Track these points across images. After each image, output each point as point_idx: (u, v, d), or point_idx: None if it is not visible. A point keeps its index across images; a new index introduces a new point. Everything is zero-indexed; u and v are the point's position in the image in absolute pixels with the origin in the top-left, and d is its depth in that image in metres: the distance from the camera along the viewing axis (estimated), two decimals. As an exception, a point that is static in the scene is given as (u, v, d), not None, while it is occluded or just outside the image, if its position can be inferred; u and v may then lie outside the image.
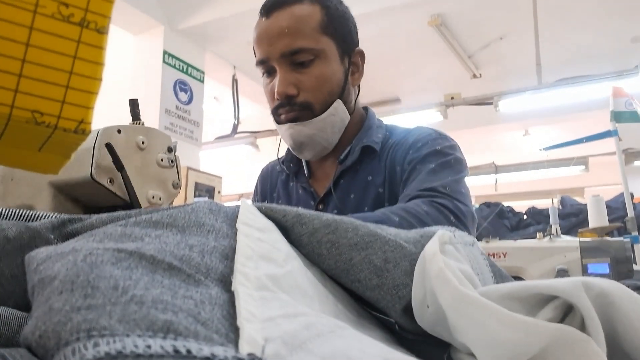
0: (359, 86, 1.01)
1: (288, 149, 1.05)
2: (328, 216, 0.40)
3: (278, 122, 0.94)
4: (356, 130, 0.99)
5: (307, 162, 1.04)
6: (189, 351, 0.20)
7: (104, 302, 0.21)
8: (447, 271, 0.32)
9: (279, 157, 1.12)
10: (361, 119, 1.02)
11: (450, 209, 0.79)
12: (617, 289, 0.30)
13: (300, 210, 0.41)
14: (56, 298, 0.21)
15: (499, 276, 0.42)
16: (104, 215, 0.37)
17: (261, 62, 0.92)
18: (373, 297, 0.37)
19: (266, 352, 0.22)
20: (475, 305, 0.29)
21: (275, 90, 0.90)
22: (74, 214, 0.40)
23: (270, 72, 0.93)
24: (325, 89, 0.91)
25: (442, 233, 0.39)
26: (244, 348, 0.22)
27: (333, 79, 0.92)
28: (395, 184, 0.91)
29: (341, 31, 0.93)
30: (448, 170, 0.86)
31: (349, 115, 0.96)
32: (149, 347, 0.19)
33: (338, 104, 0.92)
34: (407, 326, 0.37)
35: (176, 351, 0.20)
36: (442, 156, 0.88)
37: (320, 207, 0.97)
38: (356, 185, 0.94)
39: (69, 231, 0.37)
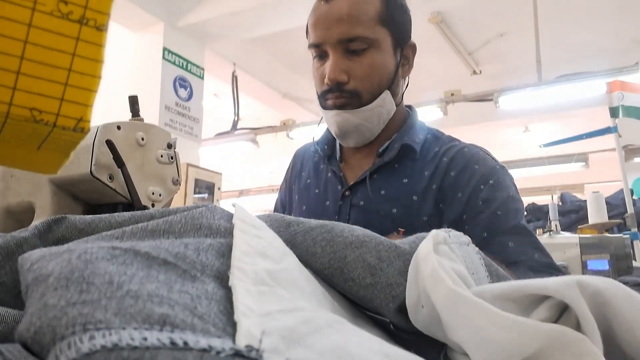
0: (407, 79, 1.01)
1: (325, 131, 1.07)
2: (324, 221, 0.40)
3: (324, 107, 0.94)
4: (398, 125, 0.99)
5: (341, 148, 1.04)
6: (185, 343, 0.20)
7: (100, 296, 0.21)
8: (440, 271, 0.32)
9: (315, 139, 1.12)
10: (404, 116, 1.02)
11: None
12: (612, 286, 0.30)
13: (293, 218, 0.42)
14: (51, 294, 0.21)
15: (496, 276, 0.41)
16: (95, 217, 0.37)
17: (315, 46, 0.93)
18: (367, 296, 0.37)
19: (264, 345, 0.21)
20: (468, 304, 0.29)
21: (326, 75, 0.90)
22: (70, 212, 0.40)
23: (322, 56, 0.94)
24: (376, 79, 0.91)
25: (436, 233, 0.38)
26: (241, 341, 0.22)
27: (384, 70, 0.92)
28: (446, 204, 0.89)
29: (397, 23, 0.93)
30: (528, 232, 0.86)
31: (394, 107, 0.96)
32: (145, 339, 0.19)
33: (386, 94, 0.93)
34: (402, 325, 0.37)
35: (173, 343, 0.19)
36: (516, 206, 0.88)
37: (347, 193, 0.97)
38: (389, 183, 0.94)
39: (57, 236, 0.36)
